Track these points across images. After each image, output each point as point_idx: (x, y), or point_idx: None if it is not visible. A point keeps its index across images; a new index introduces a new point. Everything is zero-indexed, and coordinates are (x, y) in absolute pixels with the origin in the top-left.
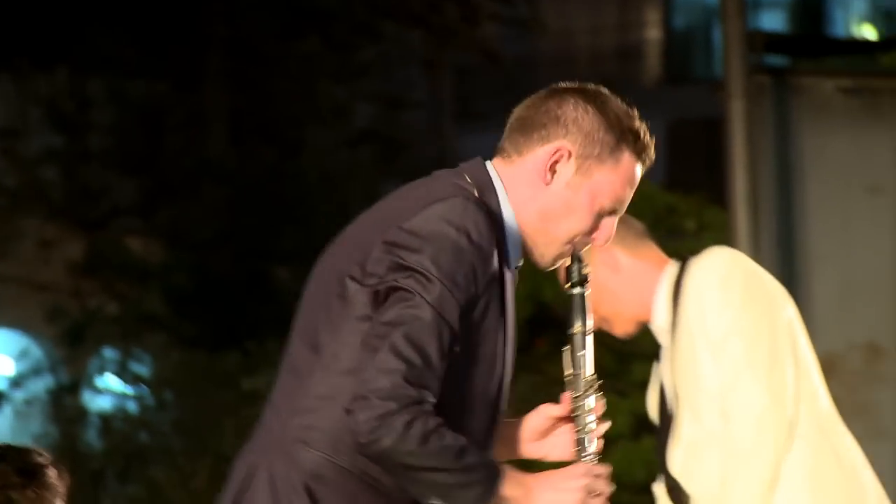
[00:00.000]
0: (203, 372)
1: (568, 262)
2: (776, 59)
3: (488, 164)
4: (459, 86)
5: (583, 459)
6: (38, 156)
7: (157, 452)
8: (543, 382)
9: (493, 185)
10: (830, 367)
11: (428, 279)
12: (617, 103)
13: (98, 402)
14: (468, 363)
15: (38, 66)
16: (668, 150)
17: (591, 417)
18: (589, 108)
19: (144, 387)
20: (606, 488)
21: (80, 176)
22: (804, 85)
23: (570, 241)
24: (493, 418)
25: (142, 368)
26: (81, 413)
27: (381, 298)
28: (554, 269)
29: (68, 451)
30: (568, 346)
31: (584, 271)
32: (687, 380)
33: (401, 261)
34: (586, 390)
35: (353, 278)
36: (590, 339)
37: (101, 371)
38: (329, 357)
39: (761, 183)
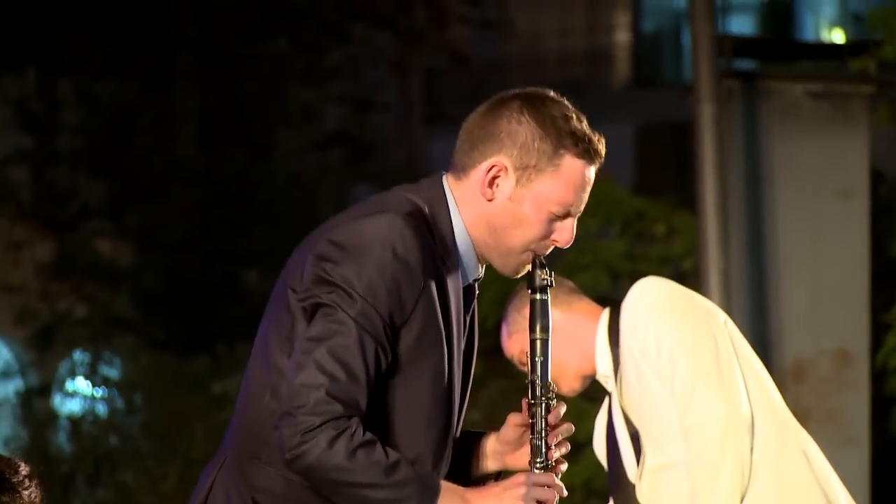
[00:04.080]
0: (173, 375)
1: (530, 268)
2: (745, 63)
3: (444, 178)
4: (428, 88)
5: (536, 468)
6: (7, 157)
7: (127, 456)
8: (512, 387)
9: (445, 200)
10: (800, 373)
11: (349, 294)
12: (555, 107)
13: (68, 405)
14: (407, 379)
15: (7, 67)
16: (637, 155)
17: (545, 424)
18: (524, 117)
19: (114, 390)
20: (553, 497)
21: (49, 177)
22: (773, 89)
23: (527, 249)
24: (444, 435)
25: (111, 371)
26: (51, 416)
27: (308, 314)
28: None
29: (38, 455)
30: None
31: (545, 277)
32: (642, 413)
33: (325, 275)
34: (541, 396)
35: (293, 290)
36: (549, 346)
37: (70, 374)
38: (277, 374)
39: (731, 187)
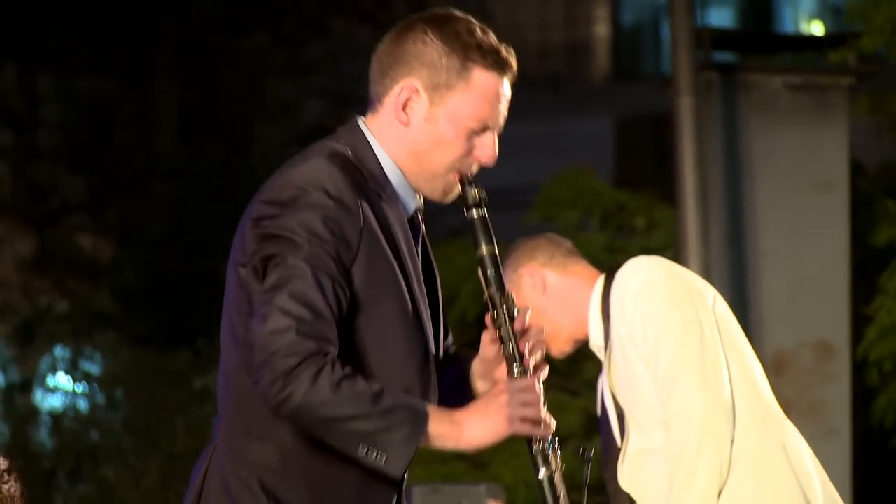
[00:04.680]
0: (154, 370)
1: (460, 189)
2: (724, 56)
3: (360, 119)
4: None
5: (514, 375)
6: None
7: (108, 451)
8: None
9: (365, 139)
10: (781, 366)
11: (294, 241)
12: (459, 23)
13: (49, 401)
14: (372, 315)
15: None
16: (616, 147)
17: (513, 333)
18: (428, 37)
19: (95, 385)
20: (537, 399)
21: (29, 172)
22: (752, 81)
23: (451, 169)
24: (425, 363)
25: (92, 367)
26: (32, 412)
27: (260, 272)
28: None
29: (20, 451)
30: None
31: (478, 192)
32: (627, 395)
33: (266, 231)
34: (502, 307)
35: (241, 265)
36: (498, 259)
37: (51, 369)
38: (248, 351)
39: (710, 180)
